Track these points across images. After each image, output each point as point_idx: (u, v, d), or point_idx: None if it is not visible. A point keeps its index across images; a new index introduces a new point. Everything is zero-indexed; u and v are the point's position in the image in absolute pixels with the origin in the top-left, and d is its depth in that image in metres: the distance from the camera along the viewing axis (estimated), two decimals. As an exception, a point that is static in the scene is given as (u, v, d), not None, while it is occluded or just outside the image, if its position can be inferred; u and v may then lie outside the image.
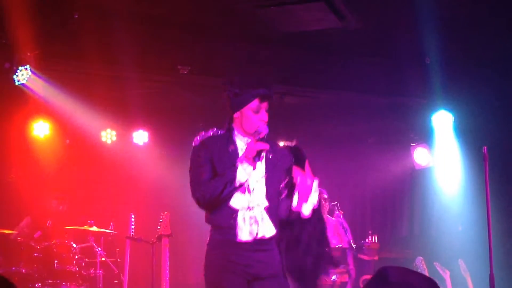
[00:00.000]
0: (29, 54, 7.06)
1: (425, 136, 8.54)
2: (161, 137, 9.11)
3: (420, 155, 8.67)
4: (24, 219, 7.85)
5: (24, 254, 7.09)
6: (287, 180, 3.90)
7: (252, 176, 3.74)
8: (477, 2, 6.37)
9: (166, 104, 8.74)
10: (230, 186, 3.68)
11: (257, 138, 3.76)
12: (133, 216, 6.96)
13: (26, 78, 7.17)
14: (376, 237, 7.43)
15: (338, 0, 6.23)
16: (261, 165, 3.79)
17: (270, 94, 3.84)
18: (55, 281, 7.07)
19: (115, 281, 7.64)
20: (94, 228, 7.38)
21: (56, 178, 8.34)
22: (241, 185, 3.71)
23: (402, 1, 6.33)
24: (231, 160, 3.75)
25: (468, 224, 8.07)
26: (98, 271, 7.34)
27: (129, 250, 6.87)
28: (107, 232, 7.50)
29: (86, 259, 7.43)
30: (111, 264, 7.53)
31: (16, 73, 7.13)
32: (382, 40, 7.29)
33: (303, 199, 3.77)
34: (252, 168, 3.72)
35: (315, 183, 3.79)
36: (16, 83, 7.17)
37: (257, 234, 3.72)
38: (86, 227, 7.39)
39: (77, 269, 7.21)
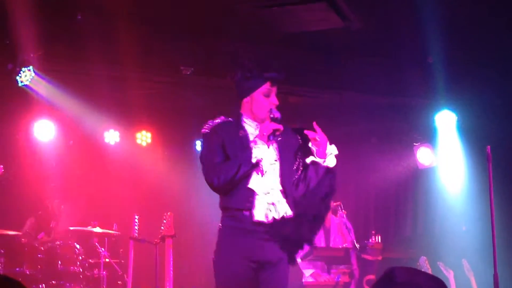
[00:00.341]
0: (32, 55, 7.06)
1: (428, 136, 8.54)
2: (164, 137, 9.10)
3: (423, 155, 8.65)
4: (28, 220, 7.87)
5: (28, 255, 7.09)
6: (298, 161, 3.92)
7: (265, 157, 3.75)
8: (479, 2, 6.36)
9: (169, 105, 8.76)
10: (245, 167, 3.68)
11: (272, 118, 3.78)
12: (136, 217, 6.95)
13: (29, 79, 7.16)
14: (379, 237, 7.41)
15: (340, 0, 6.23)
16: (273, 149, 3.81)
17: (281, 77, 3.86)
18: (58, 282, 7.06)
19: (119, 282, 7.62)
20: (98, 229, 7.38)
21: (59, 179, 8.34)
22: (258, 163, 3.70)
23: (404, 0, 6.32)
24: (242, 145, 3.76)
25: (472, 224, 8.05)
26: (101, 272, 7.34)
27: (132, 251, 6.86)
28: (111, 233, 7.50)
29: (90, 260, 7.42)
30: (114, 265, 7.53)
31: (19, 74, 7.13)
32: (384, 40, 7.29)
33: (322, 153, 3.82)
34: (266, 147, 3.74)
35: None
36: (19, 84, 7.17)
37: (273, 217, 3.73)
38: (89, 228, 7.40)
39: (80, 270, 7.20)
